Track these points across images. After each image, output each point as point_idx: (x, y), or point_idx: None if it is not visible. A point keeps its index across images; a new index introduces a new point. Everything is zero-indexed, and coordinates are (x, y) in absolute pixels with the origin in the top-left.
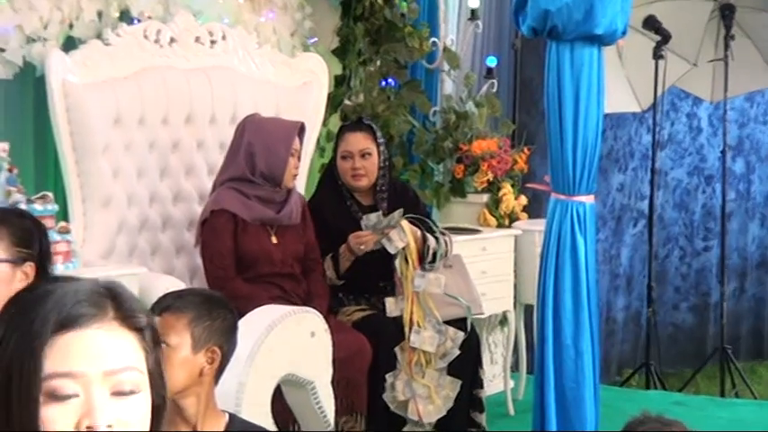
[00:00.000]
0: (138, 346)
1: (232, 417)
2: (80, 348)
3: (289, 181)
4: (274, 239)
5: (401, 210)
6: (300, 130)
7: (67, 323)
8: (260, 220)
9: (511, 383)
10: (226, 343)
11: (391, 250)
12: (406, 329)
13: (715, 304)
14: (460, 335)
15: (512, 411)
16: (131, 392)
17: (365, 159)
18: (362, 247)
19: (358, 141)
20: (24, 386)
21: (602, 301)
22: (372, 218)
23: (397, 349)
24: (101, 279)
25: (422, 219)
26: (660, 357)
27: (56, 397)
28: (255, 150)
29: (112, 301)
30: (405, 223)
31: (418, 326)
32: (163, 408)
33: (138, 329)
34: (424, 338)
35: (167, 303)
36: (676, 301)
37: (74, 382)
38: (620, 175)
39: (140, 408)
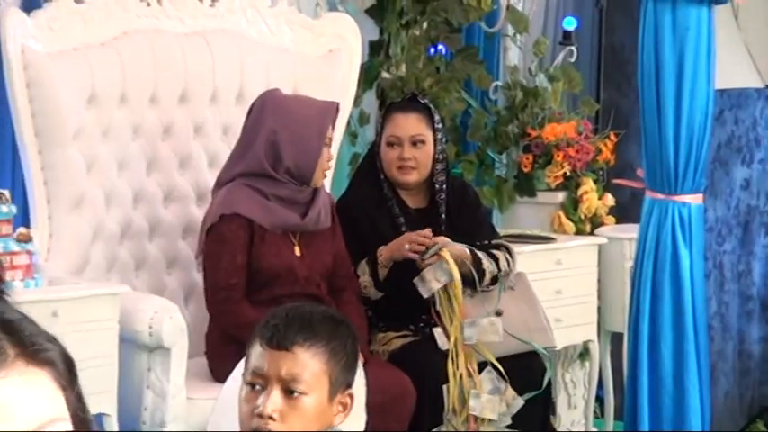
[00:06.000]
0: (54, 385)
1: None
2: None
3: (319, 179)
4: (298, 251)
5: (445, 240)
6: (335, 112)
7: None
8: (282, 227)
9: None
10: (352, 382)
11: (424, 293)
12: (451, 383)
13: None
14: (518, 403)
15: None
16: None
17: (416, 148)
18: (407, 246)
19: (409, 125)
20: None
21: (732, 330)
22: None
23: (445, 387)
24: None
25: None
26: None
27: None
28: (281, 140)
29: (7, 334)
30: (448, 254)
31: (470, 375)
32: None
33: (49, 363)
34: (484, 404)
35: (293, 333)
36: None
37: None
38: (744, 168)
39: None
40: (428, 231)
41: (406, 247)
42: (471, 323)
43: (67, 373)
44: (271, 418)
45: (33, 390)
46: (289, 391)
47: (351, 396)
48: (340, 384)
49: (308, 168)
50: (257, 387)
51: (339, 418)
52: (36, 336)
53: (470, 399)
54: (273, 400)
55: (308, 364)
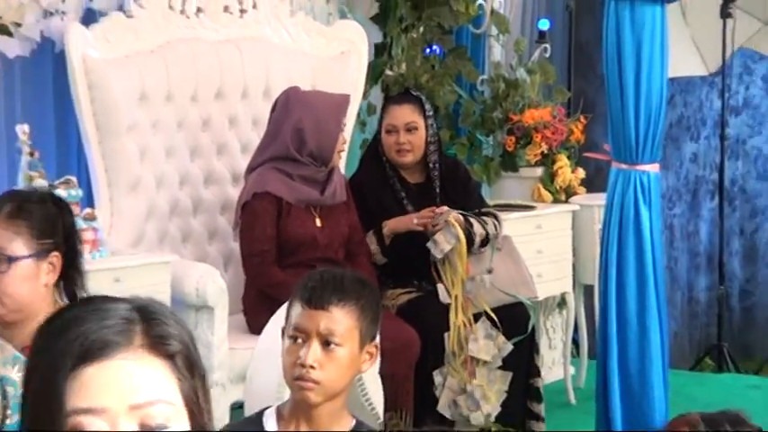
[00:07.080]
0: (170, 375)
1: (359, 422)
2: (103, 382)
3: (336, 159)
4: (318, 222)
5: (449, 210)
6: (348, 102)
7: (90, 355)
8: (305, 202)
9: (571, 370)
10: (377, 334)
11: (437, 254)
12: (451, 331)
13: None
14: (507, 348)
15: (573, 400)
16: (162, 426)
17: (411, 134)
18: (416, 221)
19: (403, 114)
20: (47, 425)
21: (681, 281)
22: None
23: (446, 335)
24: (138, 298)
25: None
26: (734, 339)
27: None
28: (305, 128)
29: (143, 325)
30: (454, 220)
31: (469, 324)
32: None
33: (169, 356)
34: (481, 347)
35: (329, 294)
36: None
37: (98, 418)
38: (692, 144)
39: None
40: (430, 212)
41: (415, 221)
42: (471, 279)
43: (187, 367)
44: (311, 367)
45: (148, 371)
46: (326, 344)
47: (376, 347)
48: (368, 336)
49: (328, 151)
50: (299, 341)
51: (367, 365)
52: (168, 329)
53: (469, 343)
54: (313, 352)
55: (342, 320)
